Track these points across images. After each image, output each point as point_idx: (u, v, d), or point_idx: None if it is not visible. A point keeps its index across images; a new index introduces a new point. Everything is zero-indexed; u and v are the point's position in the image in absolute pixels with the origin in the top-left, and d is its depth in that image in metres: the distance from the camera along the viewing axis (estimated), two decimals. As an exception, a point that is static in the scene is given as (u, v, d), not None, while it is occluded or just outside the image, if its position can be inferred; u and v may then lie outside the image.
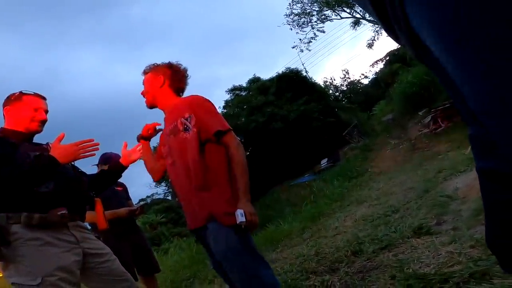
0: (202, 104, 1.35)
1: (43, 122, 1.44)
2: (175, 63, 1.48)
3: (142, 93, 1.48)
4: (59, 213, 1.29)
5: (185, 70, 1.48)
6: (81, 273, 1.32)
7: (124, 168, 1.71)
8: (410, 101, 9.35)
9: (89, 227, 2.17)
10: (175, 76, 1.44)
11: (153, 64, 1.49)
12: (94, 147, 1.39)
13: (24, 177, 1.22)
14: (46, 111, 1.46)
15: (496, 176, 0.39)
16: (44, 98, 1.47)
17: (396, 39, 0.46)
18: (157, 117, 1.58)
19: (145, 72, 1.49)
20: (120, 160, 1.71)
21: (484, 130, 0.36)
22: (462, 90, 0.36)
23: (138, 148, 1.69)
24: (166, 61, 1.49)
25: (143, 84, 1.48)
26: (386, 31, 0.47)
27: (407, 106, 9.60)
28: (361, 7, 0.50)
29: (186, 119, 1.31)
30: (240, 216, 1.16)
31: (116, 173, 1.72)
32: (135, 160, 1.70)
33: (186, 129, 1.30)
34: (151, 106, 1.47)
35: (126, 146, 1.72)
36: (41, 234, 1.23)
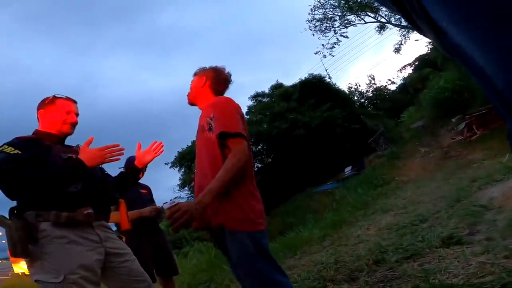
0: (221, 104, 1.36)
1: (74, 124, 1.52)
2: (220, 66, 1.55)
3: (188, 94, 1.56)
4: (85, 212, 1.33)
5: (228, 74, 1.54)
6: (102, 272, 1.34)
7: (138, 170, 1.71)
8: (442, 107, 8.88)
9: (114, 228, 2.25)
10: (216, 78, 1.50)
11: (203, 67, 1.57)
12: (120, 151, 1.45)
13: (54, 178, 1.28)
14: (77, 114, 1.54)
15: None
16: (75, 102, 1.55)
17: (418, 29, 0.45)
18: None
19: (194, 74, 1.58)
20: (135, 162, 1.71)
21: None
22: (493, 79, 0.34)
23: (152, 148, 1.70)
24: (212, 65, 1.56)
25: (190, 85, 1.56)
26: (406, 21, 0.46)
27: (439, 112, 9.12)
28: (380, 4, 0.50)
29: (211, 119, 1.33)
30: (170, 203, 1.14)
31: (132, 175, 1.72)
32: (149, 161, 1.70)
33: (210, 129, 1.32)
34: (191, 103, 1.54)
35: (140, 147, 1.73)
36: (67, 232, 1.27)
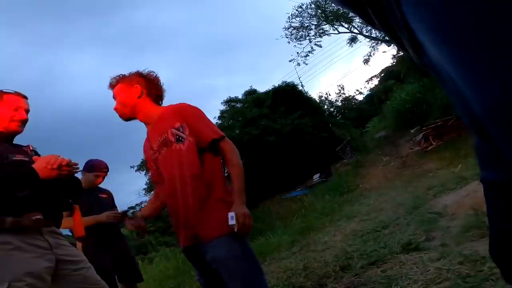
0: (192, 112, 1.30)
1: (24, 122, 1.40)
2: (145, 71, 1.40)
3: (115, 108, 1.37)
4: (33, 218, 1.25)
5: (158, 78, 1.41)
6: (54, 280, 1.27)
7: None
8: (402, 118, 9.50)
9: (69, 234, 2.10)
10: (150, 84, 1.37)
11: (120, 75, 1.39)
12: (76, 169, 1.38)
13: (1, 183, 1.19)
14: (27, 111, 1.42)
15: (498, 186, 0.39)
16: (25, 97, 1.43)
17: (401, 46, 0.45)
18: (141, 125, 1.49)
19: (113, 85, 1.39)
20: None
21: (488, 139, 0.35)
22: (465, 95, 0.34)
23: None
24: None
25: (115, 97, 1.37)
26: (390, 38, 0.46)
27: (400, 123, 9.76)
28: (361, 19, 0.49)
29: (178, 129, 1.25)
30: (230, 219, 1.14)
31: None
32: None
33: (179, 140, 1.24)
34: (128, 118, 1.37)
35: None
36: (12, 238, 1.20)
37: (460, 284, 1.28)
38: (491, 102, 0.31)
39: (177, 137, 1.25)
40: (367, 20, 0.46)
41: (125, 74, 1.39)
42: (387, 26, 0.42)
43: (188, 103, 1.36)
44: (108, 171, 2.49)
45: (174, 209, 1.28)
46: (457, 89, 0.35)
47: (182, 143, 1.24)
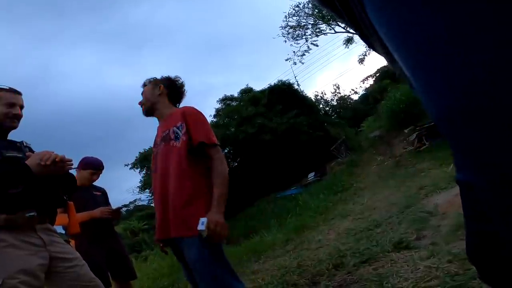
0: (193, 114, 1.39)
1: (18, 118, 1.40)
2: (173, 76, 1.57)
3: (140, 103, 1.54)
4: (27, 215, 1.26)
5: (182, 84, 1.58)
6: (47, 277, 1.28)
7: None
8: (397, 118, 9.57)
9: (63, 231, 2.10)
10: (173, 87, 1.53)
11: (153, 78, 1.57)
12: (70, 166, 1.39)
13: None
14: (22, 107, 1.43)
15: (472, 187, 0.39)
16: (19, 93, 1.43)
17: (373, 47, 0.46)
18: (145, 124, 1.60)
19: (144, 84, 1.56)
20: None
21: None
22: (427, 107, 0.34)
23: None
24: (165, 72, 1.64)
25: (143, 94, 1.54)
26: (363, 40, 0.46)
27: (394, 123, 9.83)
28: (340, 21, 0.50)
29: (178, 128, 1.34)
30: (200, 224, 1.15)
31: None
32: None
33: (176, 138, 1.33)
34: (148, 113, 1.52)
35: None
36: (6, 235, 1.20)
37: (448, 282, 1.32)
38: (440, 107, 0.31)
39: (176, 134, 1.33)
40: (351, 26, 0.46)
41: (157, 78, 1.57)
42: (364, 36, 0.43)
43: (195, 107, 1.46)
44: (103, 169, 2.49)
45: (157, 201, 1.34)
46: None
47: (178, 141, 1.32)
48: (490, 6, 0.26)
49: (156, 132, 1.54)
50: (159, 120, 1.51)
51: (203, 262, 1.19)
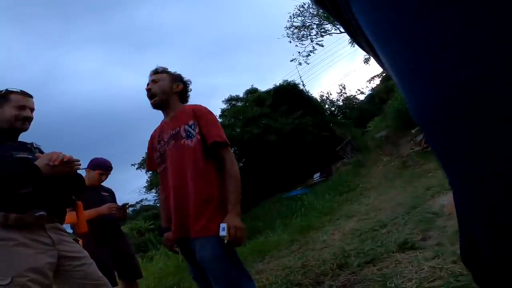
0: (205, 113, 1.39)
1: (29, 120, 1.43)
2: (185, 77, 1.57)
3: (149, 90, 1.44)
4: (37, 214, 1.28)
5: (190, 87, 1.60)
6: (56, 275, 1.30)
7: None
8: (403, 118, 9.47)
9: (71, 230, 2.15)
10: (186, 87, 1.53)
11: (165, 68, 1.53)
12: (78, 166, 1.42)
13: (4, 180, 1.22)
14: (33, 110, 1.46)
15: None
16: (30, 96, 1.46)
17: (361, 47, 0.45)
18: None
19: (159, 71, 1.49)
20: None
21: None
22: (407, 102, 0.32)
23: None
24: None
25: (157, 80, 1.45)
26: (352, 39, 0.45)
27: (400, 123, 9.73)
28: (334, 19, 0.48)
29: (190, 126, 1.34)
30: (221, 230, 1.16)
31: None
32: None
33: (188, 136, 1.32)
34: (158, 106, 1.45)
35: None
36: (16, 234, 1.23)
37: (452, 282, 1.32)
38: (418, 105, 0.30)
39: (188, 133, 1.33)
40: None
41: (171, 71, 1.53)
42: (352, 35, 0.42)
43: (205, 106, 1.45)
44: (111, 169, 2.54)
45: (173, 201, 1.32)
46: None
47: (191, 140, 1.31)
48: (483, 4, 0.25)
49: (156, 127, 1.52)
50: (165, 116, 1.48)
51: (218, 262, 1.19)
